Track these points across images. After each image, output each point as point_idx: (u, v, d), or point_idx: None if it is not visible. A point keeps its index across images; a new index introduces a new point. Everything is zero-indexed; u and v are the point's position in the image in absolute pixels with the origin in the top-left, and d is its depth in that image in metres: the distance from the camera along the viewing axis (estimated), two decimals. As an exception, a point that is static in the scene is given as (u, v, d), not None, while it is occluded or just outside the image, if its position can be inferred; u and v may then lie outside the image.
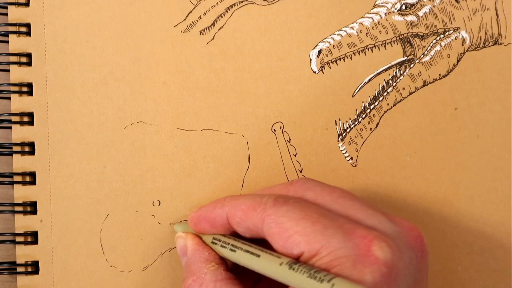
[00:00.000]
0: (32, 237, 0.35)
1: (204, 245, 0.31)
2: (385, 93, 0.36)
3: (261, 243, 0.29)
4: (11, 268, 0.34)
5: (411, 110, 0.37)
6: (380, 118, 0.36)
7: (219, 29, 0.36)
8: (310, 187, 0.30)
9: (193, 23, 0.36)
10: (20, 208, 0.35)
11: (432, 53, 0.37)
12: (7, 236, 0.35)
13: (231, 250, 0.29)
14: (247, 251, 0.28)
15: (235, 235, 0.31)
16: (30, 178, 0.35)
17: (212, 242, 0.31)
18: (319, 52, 0.36)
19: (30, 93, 0.35)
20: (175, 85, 0.35)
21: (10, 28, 0.35)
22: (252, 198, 0.29)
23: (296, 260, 0.26)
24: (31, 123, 0.35)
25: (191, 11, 0.36)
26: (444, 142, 0.37)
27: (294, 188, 0.30)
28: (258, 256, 0.27)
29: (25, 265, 0.34)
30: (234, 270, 0.31)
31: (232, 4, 0.36)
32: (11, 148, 0.35)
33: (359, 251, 0.25)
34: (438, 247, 0.36)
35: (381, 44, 0.36)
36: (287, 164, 0.36)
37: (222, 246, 0.30)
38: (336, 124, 0.36)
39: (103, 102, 0.35)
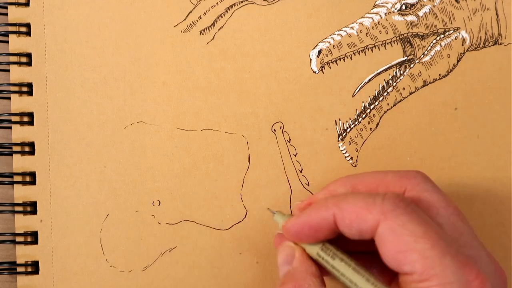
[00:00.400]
0: (32, 237, 0.35)
1: (312, 260, 0.30)
2: (385, 93, 0.36)
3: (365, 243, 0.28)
4: (11, 268, 0.34)
5: (411, 110, 0.37)
6: (380, 118, 0.36)
7: (219, 29, 0.36)
8: (428, 190, 0.29)
9: (193, 23, 0.36)
10: (20, 208, 0.35)
11: (432, 53, 0.37)
12: (7, 236, 0.35)
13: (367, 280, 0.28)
14: None
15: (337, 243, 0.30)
16: (30, 178, 0.35)
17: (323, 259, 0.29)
18: (319, 52, 0.36)
19: (30, 93, 0.35)
20: (175, 85, 0.35)
21: (10, 28, 0.35)
22: (363, 198, 0.28)
23: None
24: (31, 123, 0.35)
25: (191, 11, 0.36)
26: (444, 142, 0.37)
27: (410, 183, 0.29)
28: None
29: (25, 265, 0.34)
30: None
31: (232, 4, 0.36)
32: (11, 148, 0.35)
33: None
34: (438, 247, 0.36)
35: (381, 44, 0.36)
36: (287, 164, 0.36)
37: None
38: (336, 124, 0.36)
39: (103, 102, 0.35)
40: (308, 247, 0.30)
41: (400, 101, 0.37)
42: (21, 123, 0.35)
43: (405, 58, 0.37)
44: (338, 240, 0.30)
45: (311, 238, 0.29)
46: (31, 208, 0.35)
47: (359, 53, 0.36)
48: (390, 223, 0.26)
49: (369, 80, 0.36)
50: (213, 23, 0.36)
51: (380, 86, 0.36)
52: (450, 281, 0.25)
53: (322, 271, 0.29)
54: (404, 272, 0.26)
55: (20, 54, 0.35)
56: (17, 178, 0.35)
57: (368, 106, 0.36)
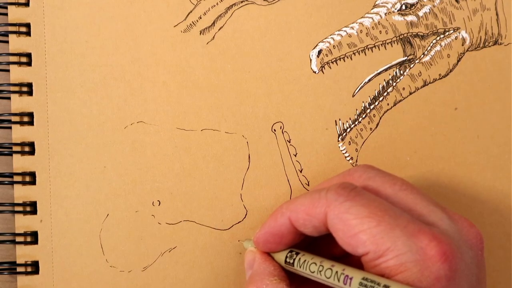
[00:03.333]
0: (32, 237, 0.35)
1: (271, 260, 0.31)
2: (385, 93, 0.36)
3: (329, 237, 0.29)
4: (11, 268, 0.34)
5: (411, 110, 0.37)
6: (380, 118, 0.36)
7: (219, 29, 0.36)
8: (371, 177, 0.29)
9: (193, 23, 0.36)
10: (20, 208, 0.35)
11: (432, 53, 0.37)
12: (7, 236, 0.35)
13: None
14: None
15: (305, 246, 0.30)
16: (30, 178, 0.35)
17: (287, 262, 0.30)
18: (319, 52, 0.36)
19: (30, 93, 0.35)
20: (175, 85, 0.35)
21: (10, 28, 0.35)
22: (310, 195, 0.29)
23: None
24: (31, 123, 0.35)
25: (191, 11, 0.36)
26: (444, 142, 0.37)
27: (353, 178, 0.30)
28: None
29: (25, 265, 0.34)
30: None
31: (232, 4, 0.36)
32: (11, 148, 0.35)
33: (425, 257, 0.25)
34: (438, 247, 0.36)
35: (381, 44, 0.36)
36: (287, 164, 0.36)
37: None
38: (336, 124, 0.36)
39: (103, 102, 0.35)
40: (277, 257, 0.31)
41: (400, 101, 0.37)
42: (21, 123, 0.35)
43: (405, 58, 0.37)
44: (323, 246, 0.31)
45: (280, 245, 0.31)
46: (31, 208, 0.35)
47: (359, 53, 0.36)
48: (335, 212, 0.27)
49: (369, 80, 0.36)
50: (213, 23, 0.36)
51: (380, 86, 0.36)
52: (402, 252, 0.25)
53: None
54: (360, 254, 0.26)
55: (20, 54, 0.35)
56: (17, 178, 0.35)
57: (368, 106, 0.36)
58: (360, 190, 0.28)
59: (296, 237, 0.30)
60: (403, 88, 0.37)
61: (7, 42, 0.35)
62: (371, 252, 0.26)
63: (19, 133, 0.35)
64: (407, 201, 0.28)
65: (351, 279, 0.26)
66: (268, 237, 0.31)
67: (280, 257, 0.31)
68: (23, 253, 0.34)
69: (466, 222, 0.29)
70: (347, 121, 0.36)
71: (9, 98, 0.35)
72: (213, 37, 0.36)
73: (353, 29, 0.36)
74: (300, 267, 0.29)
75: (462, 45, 0.37)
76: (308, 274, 0.29)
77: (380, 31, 0.36)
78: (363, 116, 0.36)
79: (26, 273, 0.34)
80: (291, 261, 0.30)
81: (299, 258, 0.29)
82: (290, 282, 0.30)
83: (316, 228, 0.28)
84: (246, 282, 0.31)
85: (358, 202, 0.27)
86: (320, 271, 0.28)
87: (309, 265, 0.29)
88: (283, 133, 0.36)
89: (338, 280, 0.27)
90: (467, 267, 0.26)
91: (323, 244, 0.32)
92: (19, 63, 0.35)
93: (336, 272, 0.27)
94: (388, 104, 0.37)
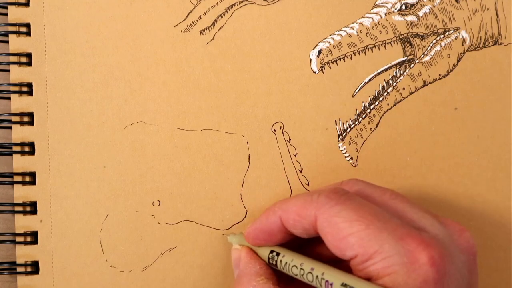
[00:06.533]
0: (32, 237, 0.35)
1: (257, 258, 0.31)
2: (385, 93, 0.36)
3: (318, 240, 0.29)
4: (11, 268, 0.34)
5: (411, 110, 0.37)
6: (380, 118, 0.36)
7: (219, 29, 0.36)
8: (361, 188, 0.30)
9: (193, 23, 0.36)
10: (20, 208, 0.35)
11: (432, 53, 0.37)
12: (7, 236, 0.35)
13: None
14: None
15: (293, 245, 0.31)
16: (30, 178, 0.35)
17: (270, 260, 0.31)
18: (319, 52, 0.36)
19: (30, 93, 0.35)
20: (175, 85, 0.35)
21: (10, 28, 0.35)
22: (302, 197, 0.29)
23: None
24: (31, 123, 0.35)
25: (191, 11, 0.36)
26: (444, 142, 0.37)
27: (346, 187, 0.30)
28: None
29: (25, 265, 0.34)
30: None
31: (232, 4, 0.36)
32: (11, 148, 0.35)
33: (412, 259, 0.25)
34: (438, 247, 0.36)
35: (381, 44, 0.36)
36: (287, 164, 0.36)
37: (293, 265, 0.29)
38: (336, 124, 0.36)
39: (103, 102, 0.35)
40: (260, 251, 0.31)
41: (400, 101, 0.37)
42: (21, 123, 0.35)
43: (405, 58, 0.37)
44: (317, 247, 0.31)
45: (268, 242, 0.31)
46: (31, 208, 0.35)
47: (359, 53, 0.36)
48: (325, 215, 0.27)
49: (369, 80, 0.36)
50: (213, 23, 0.36)
51: (380, 86, 0.36)
52: (390, 255, 0.25)
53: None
54: (349, 258, 0.27)
55: (20, 54, 0.35)
56: (17, 178, 0.35)
57: (368, 106, 0.36)
58: (351, 195, 0.28)
59: (286, 236, 0.30)
60: (403, 88, 0.37)
61: (7, 42, 0.35)
62: (359, 255, 0.26)
63: (19, 133, 0.35)
64: (397, 209, 0.28)
65: (331, 284, 0.27)
66: (258, 233, 0.31)
67: (264, 254, 0.31)
68: (23, 253, 0.34)
69: (458, 227, 0.29)
70: (347, 121, 0.36)
71: (9, 98, 0.35)
72: (213, 37, 0.36)
73: (353, 29, 0.36)
74: (283, 269, 0.30)
75: (462, 45, 0.37)
76: (293, 275, 0.29)
77: (380, 31, 0.36)
78: (363, 116, 0.36)
79: (26, 273, 0.34)
80: (274, 262, 0.30)
81: (280, 260, 0.30)
82: (279, 280, 0.30)
83: (306, 230, 0.29)
84: (234, 282, 0.31)
85: (348, 206, 0.27)
86: (302, 275, 0.28)
87: (291, 268, 0.29)
88: (283, 133, 0.36)
89: (320, 285, 0.27)
90: (458, 271, 0.26)
91: (314, 247, 0.32)
92: (19, 63, 0.35)
93: (317, 276, 0.27)
94: (388, 104, 0.37)
